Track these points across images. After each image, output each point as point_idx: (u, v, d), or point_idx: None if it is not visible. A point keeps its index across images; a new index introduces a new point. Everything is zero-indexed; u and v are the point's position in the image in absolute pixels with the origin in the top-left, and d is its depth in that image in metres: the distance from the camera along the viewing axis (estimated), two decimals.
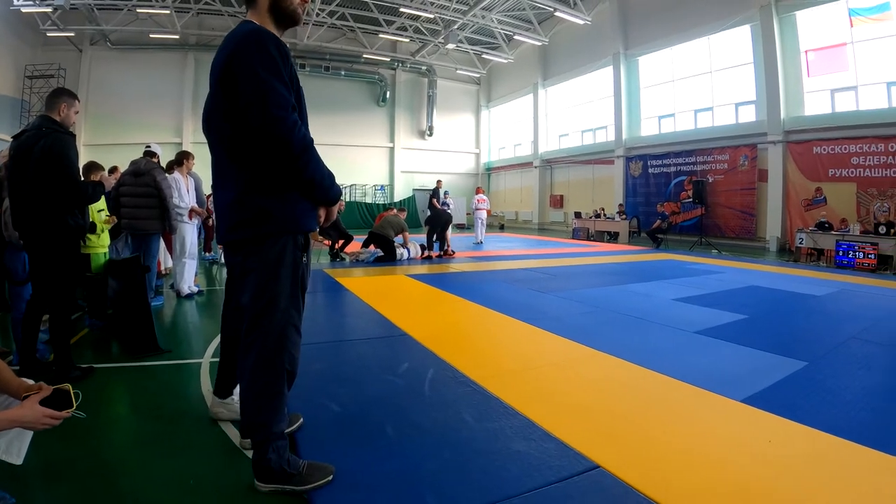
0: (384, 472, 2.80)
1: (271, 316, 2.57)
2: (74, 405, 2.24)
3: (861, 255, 13.39)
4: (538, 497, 2.60)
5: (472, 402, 3.87)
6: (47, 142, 4.09)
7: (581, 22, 25.45)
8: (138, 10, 24.35)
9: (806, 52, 18.32)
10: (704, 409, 3.89)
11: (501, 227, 31.91)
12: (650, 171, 24.06)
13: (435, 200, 15.82)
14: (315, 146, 2.55)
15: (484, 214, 19.80)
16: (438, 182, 18.87)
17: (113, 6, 23.78)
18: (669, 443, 3.29)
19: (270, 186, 2.52)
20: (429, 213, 15.52)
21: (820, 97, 18.25)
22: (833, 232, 14.95)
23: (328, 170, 2.62)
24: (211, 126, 2.67)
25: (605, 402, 3.99)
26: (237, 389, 3.25)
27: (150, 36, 26.06)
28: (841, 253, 13.87)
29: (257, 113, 2.35)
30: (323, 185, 2.60)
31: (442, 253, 14.39)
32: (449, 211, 17.04)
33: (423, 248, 14.09)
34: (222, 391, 3.48)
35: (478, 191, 20.77)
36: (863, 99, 17.10)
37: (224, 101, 2.49)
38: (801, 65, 18.49)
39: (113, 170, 9.03)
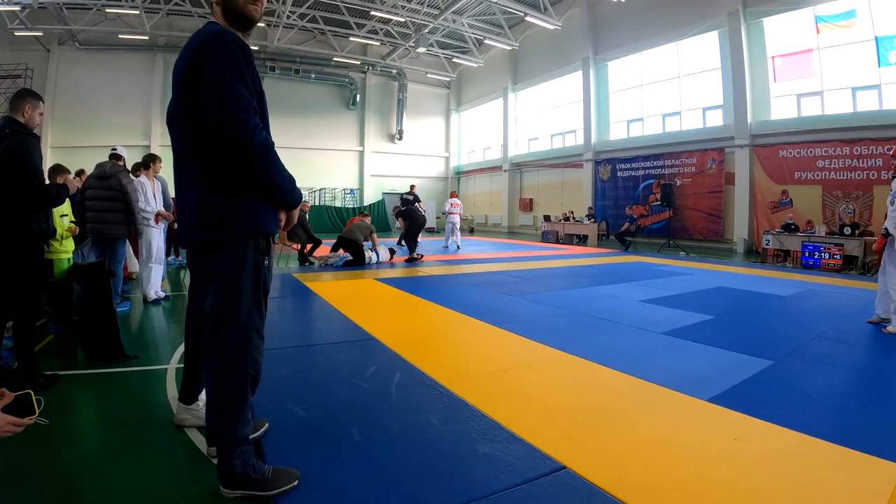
0: (350, 476, 2.77)
1: (233, 320, 2.54)
2: (37, 411, 2.15)
3: (827, 255, 13.55)
4: (503, 499, 2.59)
5: (438, 405, 3.84)
6: (10, 143, 3.99)
7: (551, 27, 25.59)
8: (107, 10, 23.81)
9: (773, 57, 18.64)
10: (671, 409, 3.88)
11: (471, 231, 31.72)
12: (619, 174, 24.24)
13: (420, 204, 15.78)
14: (277, 149, 2.54)
15: (457, 219, 19.31)
16: (412, 187, 18.69)
17: (82, 5, 23.19)
18: (635, 443, 3.28)
19: (232, 189, 2.50)
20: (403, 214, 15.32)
21: (786, 102, 18.56)
22: (799, 233, 15.13)
23: (288, 173, 2.59)
24: (174, 126, 2.61)
25: (571, 403, 3.97)
26: (202, 395, 3.30)
27: (119, 36, 25.58)
28: (807, 254, 14.02)
29: (218, 115, 2.34)
30: (283, 189, 2.58)
31: (419, 256, 14.32)
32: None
33: (391, 251, 13.94)
34: (187, 397, 3.42)
35: (452, 195, 20.33)
36: (828, 104, 17.40)
37: (187, 101, 2.46)
38: (767, 70, 18.79)
39: (80, 173, 8.85)
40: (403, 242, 14.82)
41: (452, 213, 19.10)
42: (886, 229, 6.53)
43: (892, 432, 3.51)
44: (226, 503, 2.56)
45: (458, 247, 18.62)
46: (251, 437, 2.76)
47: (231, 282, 2.54)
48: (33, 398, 2.13)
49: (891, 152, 7.13)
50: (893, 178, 6.91)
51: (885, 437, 3.41)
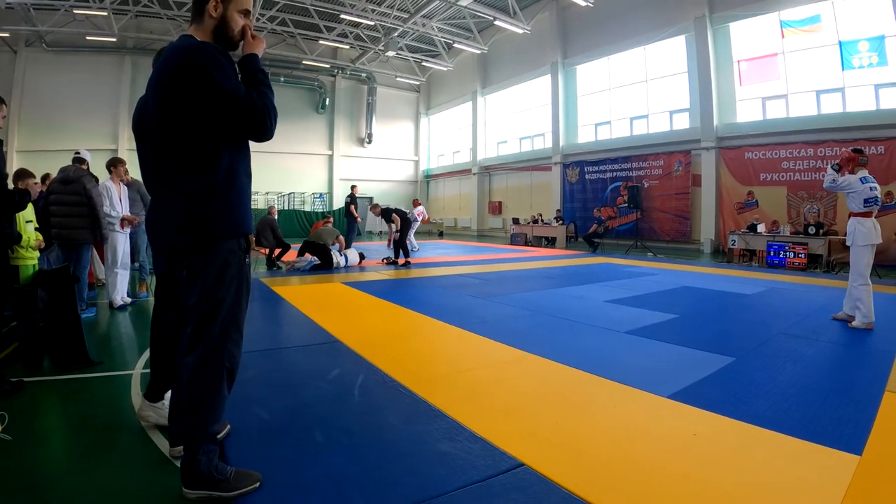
0: (311, 477, 2.80)
1: (217, 317, 2.62)
2: (1, 427, 2.08)
3: (792, 254, 13.70)
4: (463, 495, 2.63)
5: (400, 406, 3.87)
6: None
7: (520, 31, 25.61)
8: (75, 11, 23.15)
9: (738, 61, 18.97)
10: (631, 406, 3.92)
11: (440, 234, 31.67)
12: (587, 177, 24.39)
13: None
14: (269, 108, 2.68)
15: (416, 225, 19.17)
16: (354, 188, 18.59)
17: (50, 6, 22.54)
18: (595, 439, 3.34)
19: (215, 192, 2.62)
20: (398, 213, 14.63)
21: (751, 105, 18.88)
22: (764, 233, 15.30)
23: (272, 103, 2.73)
24: (154, 133, 2.70)
25: (533, 403, 4.00)
26: (168, 395, 3.34)
27: (87, 38, 25.02)
28: (772, 253, 14.17)
29: (235, 115, 2.56)
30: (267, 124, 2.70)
31: (407, 260, 14.05)
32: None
33: (361, 255, 13.80)
34: (153, 395, 3.47)
35: (415, 203, 20.44)
36: (793, 106, 17.74)
37: (176, 110, 2.56)
38: (733, 74, 19.10)
39: (45, 178, 8.65)
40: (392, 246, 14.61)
41: (414, 221, 18.91)
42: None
43: (850, 424, 3.57)
44: None
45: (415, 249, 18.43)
46: (218, 438, 2.82)
47: (217, 280, 2.62)
48: None
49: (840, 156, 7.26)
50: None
51: (843, 429, 3.47)
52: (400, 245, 14.01)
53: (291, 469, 2.88)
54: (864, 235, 6.68)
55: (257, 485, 2.67)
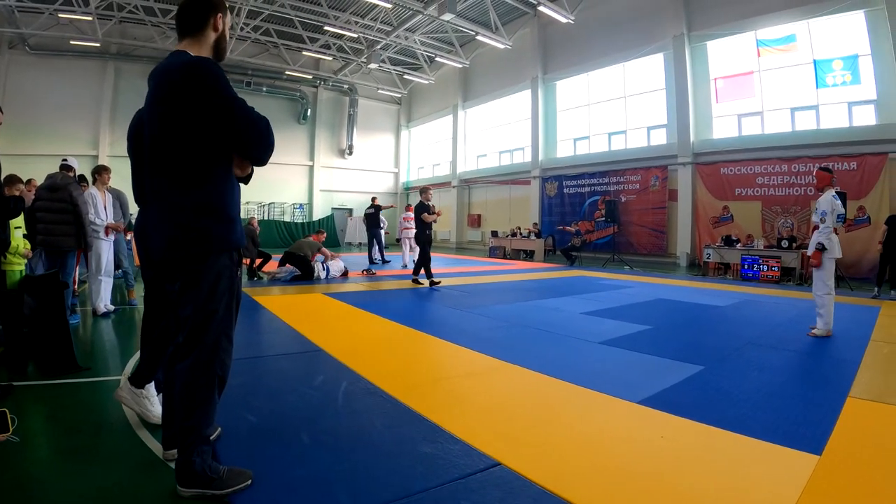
0: (299, 476, 2.90)
1: (209, 327, 2.71)
2: (10, 429, 2.12)
3: (765, 267, 13.95)
4: (442, 492, 2.76)
5: (383, 411, 3.95)
6: None
7: (502, 46, 25.79)
8: (60, 15, 22.91)
9: (715, 79, 19.28)
10: (602, 411, 4.06)
11: None
12: (565, 191, 24.56)
13: (426, 214, 12.37)
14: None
15: (412, 234, 17.10)
16: (374, 199, 18.56)
17: (34, 9, 22.29)
18: (568, 441, 3.46)
19: (209, 208, 2.70)
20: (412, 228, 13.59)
21: (728, 122, 19.20)
22: (738, 247, 15.57)
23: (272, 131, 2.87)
24: (150, 148, 2.77)
25: (509, 408, 4.11)
26: (150, 387, 3.58)
27: (71, 42, 24.72)
28: (746, 266, 14.41)
29: (243, 129, 2.69)
30: (272, 143, 2.86)
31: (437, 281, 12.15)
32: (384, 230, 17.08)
33: (345, 269, 13.73)
34: (137, 381, 3.57)
35: (407, 209, 19.20)
36: (768, 123, 18.09)
37: (176, 125, 2.62)
38: (710, 91, 19.41)
39: (27, 182, 8.61)
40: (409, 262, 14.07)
41: (407, 229, 17.57)
42: (822, 244, 6.82)
43: (812, 427, 3.71)
44: (182, 502, 2.64)
45: (404, 265, 17.12)
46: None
47: (211, 292, 2.71)
48: (7, 416, 2.10)
49: (816, 171, 7.43)
50: (819, 194, 7.19)
51: (804, 431, 3.61)
52: (424, 263, 12.19)
53: (280, 469, 2.97)
54: (833, 249, 6.89)
55: (249, 482, 2.76)
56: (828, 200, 6.91)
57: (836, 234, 7.00)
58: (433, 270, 12.13)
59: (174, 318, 2.87)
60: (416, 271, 12.40)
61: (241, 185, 3.01)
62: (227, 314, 2.80)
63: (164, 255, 2.76)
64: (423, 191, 12.90)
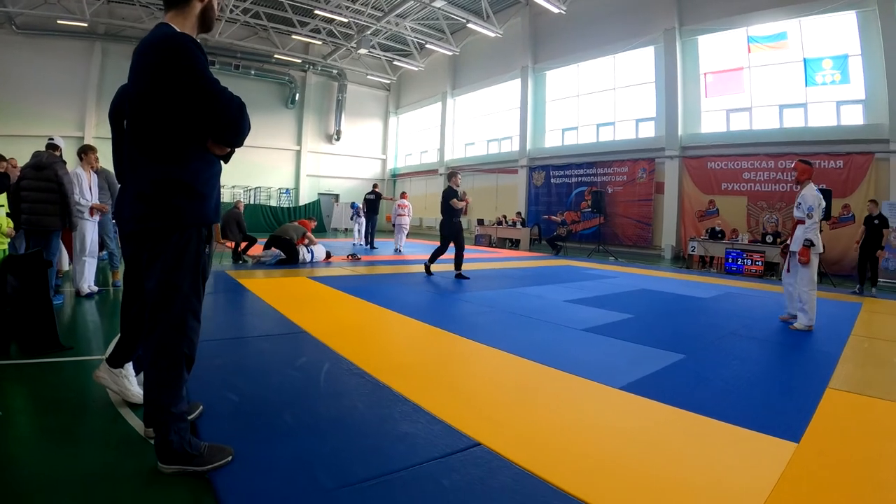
0: (280, 454, 2.90)
1: (173, 302, 2.71)
2: None
3: (749, 262, 14.08)
4: (423, 470, 2.78)
5: (365, 392, 3.97)
6: None
7: (492, 35, 25.71)
8: None
9: (705, 74, 19.35)
10: (584, 396, 4.10)
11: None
12: (552, 180, 24.61)
13: (455, 200, 11.38)
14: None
15: (406, 221, 18.41)
16: (376, 186, 18.64)
17: None
18: (548, 424, 3.49)
19: (181, 182, 2.69)
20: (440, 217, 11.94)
21: (716, 116, 19.27)
22: (723, 241, 15.71)
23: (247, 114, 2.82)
24: (127, 122, 2.80)
25: (491, 390, 4.17)
26: (128, 366, 3.57)
27: (58, 22, 24.26)
28: (730, 260, 14.55)
29: (210, 104, 2.62)
30: (245, 127, 2.81)
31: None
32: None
33: (328, 253, 13.72)
34: (114, 361, 3.55)
35: (402, 196, 19.51)
36: (756, 119, 18.18)
37: (152, 98, 2.62)
38: (699, 86, 19.48)
39: (7, 160, 8.51)
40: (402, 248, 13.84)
41: (401, 216, 18.25)
42: (810, 240, 6.83)
43: (791, 415, 3.76)
44: (164, 478, 2.66)
45: (396, 250, 17.71)
46: (188, 417, 2.94)
47: (175, 265, 2.70)
48: None
49: (794, 166, 7.47)
50: (799, 190, 7.27)
51: (783, 420, 3.66)
52: (439, 252, 11.53)
53: (262, 446, 2.97)
54: (818, 244, 6.94)
55: (230, 458, 2.76)
56: (814, 195, 6.93)
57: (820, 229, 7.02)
58: (435, 262, 11.62)
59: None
60: (457, 265, 11.24)
61: (223, 163, 2.99)
62: (193, 291, 2.79)
63: (132, 228, 2.77)
64: (452, 175, 11.82)
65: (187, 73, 2.56)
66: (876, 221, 11.05)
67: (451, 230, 11.44)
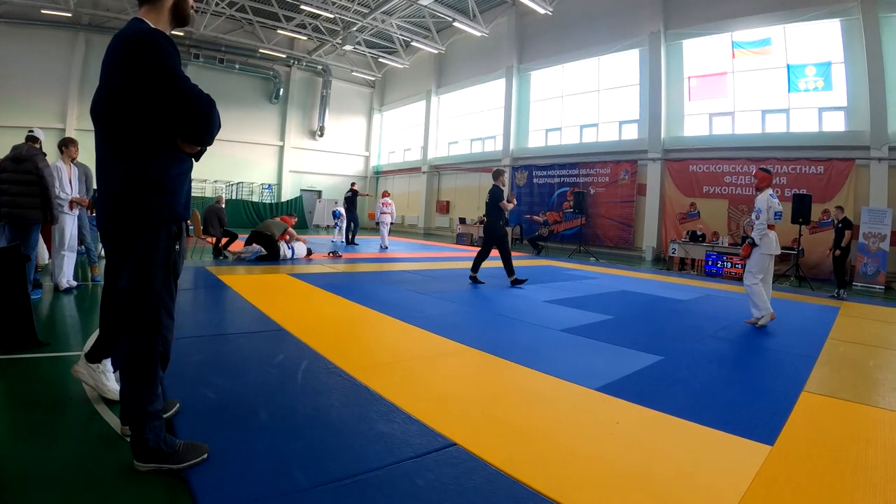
0: (256, 451, 2.91)
1: (145, 300, 2.70)
2: None
3: (729, 264, 14.19)
4: (396, 470, 2.79)
5: (341, 390, 3.99)
6: None
7: (478, 34, 25.75)
8: None
9: (689, 77, 19.51)
10: (560, 397, 4.11)
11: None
12: (535, 181, 24.67)
13: (504, 202, 10.50)
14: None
15: (388, 219, 18.94)
16: (353, 184, 18.90)
17: None
18: (524, 424, 3.51)
19: (149, 180, 2.67)
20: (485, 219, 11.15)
21: (699, 120, 19.43)
22: (704, 243, 15.84)
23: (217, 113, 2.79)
24: (98, 118, 2.77)
25: (467, 390, 4.22)
26: (106, 362, 3.57)
27: (42, 12, 23.82)
28: (710, 262, 14.68)
29: (178, 101, 2.59)
30: (214, 126, 2.78)
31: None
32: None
33: (309, 250, 13.69)
34: (93, 356, 3.54)
35: (384, 194, 20.01)
36: (738, 124, 18.34)
37: (121, 95, 2.60)
38: (683, 89, 19.63)
39: None
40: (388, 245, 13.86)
41: (385, 213, 18.76)
42: (752, 238, 7.32)
43: (766, 418, 3.80)
44: (139, 476, 2.66)
45: (383, 247, 18.19)
46: (164, 415, 2.96)
47: (145, 262, 2.70)
48: None
49: (755, 173, 7.77)
50: (757, 194, 7.50)
51: (758, 422, 3.69)
52: (505, 260, 10.54)
53: (237, 444, 2.98)
54: (769, 245, 7.25)
55: (205, 456, 2.76)
56: (763, 199, 7.27)
57: (774, 230, 7.34)
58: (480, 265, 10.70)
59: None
60: (509, 271, 10.35)
61: (194, 161, 2.97)
62: (165, 288, 2.78)
63: (106, 225, 2.78)
64: (498, 174, 10.69)
65: (159, 71, 2.53)
66: (839, 225, 11.44)
67: (500, 234, 10.44)
